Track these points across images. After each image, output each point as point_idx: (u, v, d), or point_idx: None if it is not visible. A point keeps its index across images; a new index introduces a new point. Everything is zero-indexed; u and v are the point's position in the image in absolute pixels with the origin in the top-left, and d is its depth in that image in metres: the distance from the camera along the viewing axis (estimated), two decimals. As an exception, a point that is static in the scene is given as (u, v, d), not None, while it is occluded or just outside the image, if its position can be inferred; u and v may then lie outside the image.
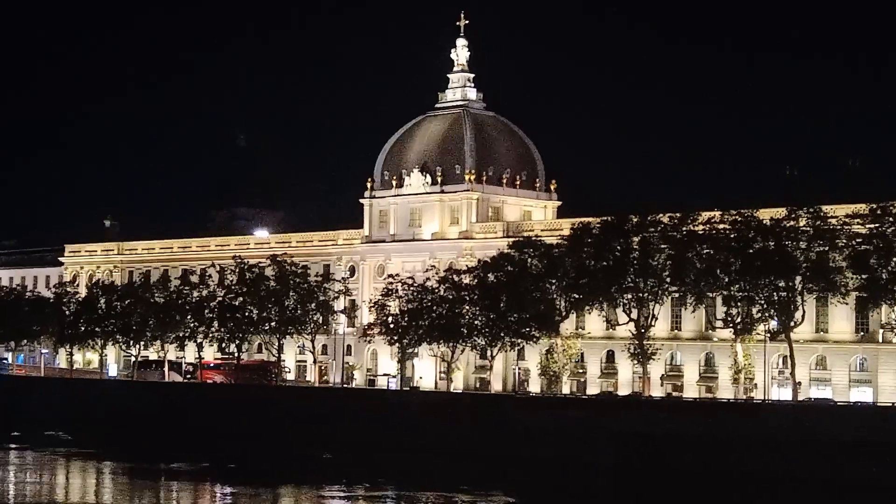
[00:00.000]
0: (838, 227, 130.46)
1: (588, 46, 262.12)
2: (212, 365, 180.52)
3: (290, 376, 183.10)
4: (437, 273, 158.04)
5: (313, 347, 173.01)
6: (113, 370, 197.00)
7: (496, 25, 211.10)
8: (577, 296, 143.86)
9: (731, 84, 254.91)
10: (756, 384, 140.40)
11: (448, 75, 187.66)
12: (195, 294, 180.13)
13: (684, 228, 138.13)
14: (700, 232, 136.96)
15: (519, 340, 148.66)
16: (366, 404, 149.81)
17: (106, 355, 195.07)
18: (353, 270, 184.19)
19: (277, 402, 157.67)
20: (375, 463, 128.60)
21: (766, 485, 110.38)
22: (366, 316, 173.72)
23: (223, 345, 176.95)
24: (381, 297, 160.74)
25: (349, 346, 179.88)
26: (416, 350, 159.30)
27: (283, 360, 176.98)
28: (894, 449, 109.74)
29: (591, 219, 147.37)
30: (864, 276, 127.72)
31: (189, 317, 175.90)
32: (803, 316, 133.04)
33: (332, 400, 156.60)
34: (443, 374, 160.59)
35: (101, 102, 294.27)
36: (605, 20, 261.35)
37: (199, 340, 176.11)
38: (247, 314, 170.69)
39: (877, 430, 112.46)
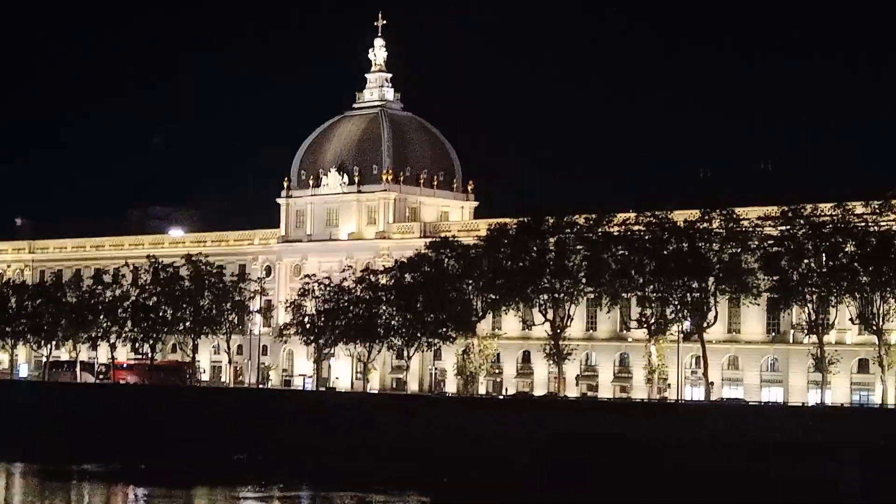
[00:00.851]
0: (750, 230, 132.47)
1: (513, 44, 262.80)
2: (125, 365, 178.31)
3: (205, 377, 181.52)
4: (353, 273, 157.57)
5: (228, 348, 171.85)
6: (23, 371, 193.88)
7: (417, 25, 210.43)
8: (493, 296, 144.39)
9: (662, 81, 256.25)
10: (669, 384, 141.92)
11: (366, 75, 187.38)
12: (108, 294, 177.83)
13: (600, 230, 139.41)
14: (615, 233, 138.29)
15: (435, 340, 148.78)
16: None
17: (16, 355, 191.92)
18: (269, 270, 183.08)
19: (204, 403, 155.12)
20: (298, 463, 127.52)
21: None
22: (282, 316, 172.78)
23: (136, 345, 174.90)
24: (297, 298, 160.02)
25: (265, 347, 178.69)
26: (332, 350, 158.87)
27: (198, 361, 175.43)
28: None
29: (507, 219, 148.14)
30: (775, 278, 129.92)
31: (102, 317, 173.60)
32: (716, 317, 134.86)
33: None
34: (359, 375, 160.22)
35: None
36: (536, 16, 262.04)
37: (112, 341, 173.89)
38: (161, 314, 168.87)
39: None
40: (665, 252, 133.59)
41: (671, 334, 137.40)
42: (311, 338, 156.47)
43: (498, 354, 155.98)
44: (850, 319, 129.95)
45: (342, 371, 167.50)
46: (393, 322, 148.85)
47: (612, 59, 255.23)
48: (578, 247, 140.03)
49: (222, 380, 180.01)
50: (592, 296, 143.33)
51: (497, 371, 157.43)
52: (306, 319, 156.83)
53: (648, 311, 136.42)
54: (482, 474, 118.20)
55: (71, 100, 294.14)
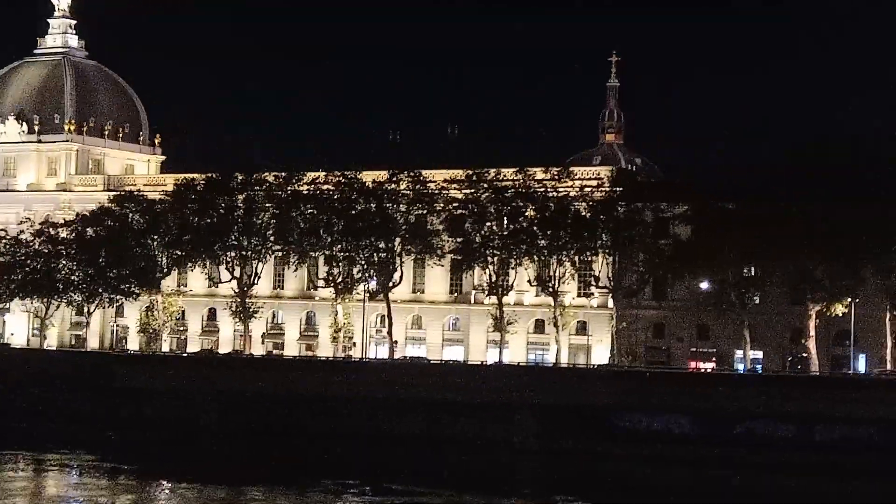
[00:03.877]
0: (437, 192, 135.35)
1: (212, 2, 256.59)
2: None
3: None
4: (32, 226, 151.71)
5: None
6: None
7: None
8: (179, 252, 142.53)
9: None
10: (355, 343, 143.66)
11: (48, 20, 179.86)
12: None
13: (289, 188, 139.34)
14: (305, 192, 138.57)
15: (118, 297, 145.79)
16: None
17: None
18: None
19: None
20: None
21: (363, 442, 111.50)
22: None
23: None
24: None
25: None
26: (7, 305, 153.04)
27: None
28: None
29: (195, 175, 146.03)
30: (459, 240, 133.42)
31: None
32: (401, 277, 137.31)
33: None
34: (36, 331, 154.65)
35: None
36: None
37: None
38: None
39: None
40: (353, 212, 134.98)
41: (357, 293, 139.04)
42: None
43: (183, 311, 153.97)
44: (529, 281, 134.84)
45: (18, 327, 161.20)
46: (73, 277, 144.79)
47: (306, 22, 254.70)
48: (267, 205, 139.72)
49: None
50: (280, 254, 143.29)
51: (182, 328, 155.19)
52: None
53: (336, 270, 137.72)
54: (162, 434, 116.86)
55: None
